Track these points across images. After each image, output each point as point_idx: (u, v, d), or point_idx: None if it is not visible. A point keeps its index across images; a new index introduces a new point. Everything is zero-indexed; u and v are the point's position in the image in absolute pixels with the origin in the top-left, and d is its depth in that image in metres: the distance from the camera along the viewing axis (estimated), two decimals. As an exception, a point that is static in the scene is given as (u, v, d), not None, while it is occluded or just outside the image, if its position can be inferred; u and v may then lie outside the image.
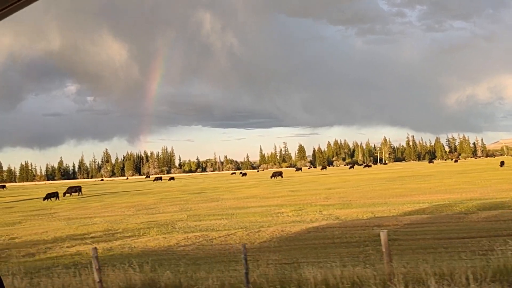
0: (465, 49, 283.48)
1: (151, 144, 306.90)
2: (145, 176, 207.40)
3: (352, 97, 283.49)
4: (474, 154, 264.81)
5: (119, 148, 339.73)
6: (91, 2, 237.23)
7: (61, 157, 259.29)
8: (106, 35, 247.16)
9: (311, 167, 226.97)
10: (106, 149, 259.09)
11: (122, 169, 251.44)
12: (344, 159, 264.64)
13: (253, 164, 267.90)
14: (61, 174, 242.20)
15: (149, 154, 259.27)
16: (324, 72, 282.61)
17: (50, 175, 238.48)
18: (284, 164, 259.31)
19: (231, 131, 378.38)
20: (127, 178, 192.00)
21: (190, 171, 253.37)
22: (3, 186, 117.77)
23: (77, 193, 62.89)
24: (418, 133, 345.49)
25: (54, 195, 57.20)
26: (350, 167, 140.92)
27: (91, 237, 22.28)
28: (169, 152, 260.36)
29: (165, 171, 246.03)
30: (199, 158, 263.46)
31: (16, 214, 38.91)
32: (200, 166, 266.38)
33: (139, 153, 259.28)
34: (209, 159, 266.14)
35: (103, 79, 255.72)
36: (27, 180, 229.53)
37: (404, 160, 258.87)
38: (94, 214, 34.47)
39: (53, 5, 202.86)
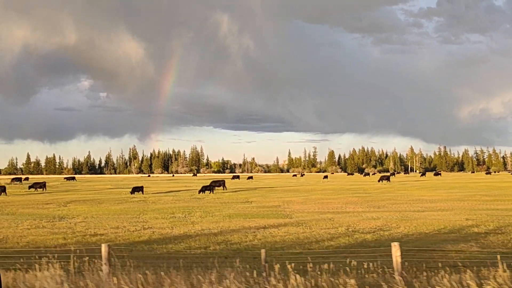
0: (480, 63, 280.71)
1: (161, 143, 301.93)
2: (147, 175, 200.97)
3: (365, 106, 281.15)
4: (505, 167, 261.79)
5: (129, 146, 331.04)
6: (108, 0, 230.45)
7: (89, 152, 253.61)
8: (123, 33, 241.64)
9: (353, 173, 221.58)
10: (134, 146, 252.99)
11: (150, 166, 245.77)
12: (375, 167, 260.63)
13: (281, 168, 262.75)
14: (88, 169, 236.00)
15: (176, 153, 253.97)
16: (339, 79, 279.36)
17: (77, 169, 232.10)
18: (313, 169, 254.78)
19: (242, 133, 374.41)
20: (173, 175, 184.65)
21: (219, 171, 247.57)
22: (73, 178, 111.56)
23: (221, 187, 57.16)
24: (429, 144, 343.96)
25: (209, 188, 51.63)
26: (422, 175, 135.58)
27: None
28: (198, 151, 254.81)
29: (195, 170, 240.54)
30: (210, 159, 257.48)
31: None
32: (227, 167, 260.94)
33: (167, 151, 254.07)
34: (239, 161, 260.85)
35: (118, 76, 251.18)
36: (54, 173, 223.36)
37: (436, 170, 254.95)
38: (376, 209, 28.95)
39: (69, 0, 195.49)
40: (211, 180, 59.07)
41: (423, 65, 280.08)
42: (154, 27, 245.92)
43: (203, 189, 50.91)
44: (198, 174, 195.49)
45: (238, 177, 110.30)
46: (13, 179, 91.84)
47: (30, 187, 59.50)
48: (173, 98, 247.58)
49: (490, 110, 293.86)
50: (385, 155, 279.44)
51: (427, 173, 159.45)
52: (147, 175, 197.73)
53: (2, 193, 50.33)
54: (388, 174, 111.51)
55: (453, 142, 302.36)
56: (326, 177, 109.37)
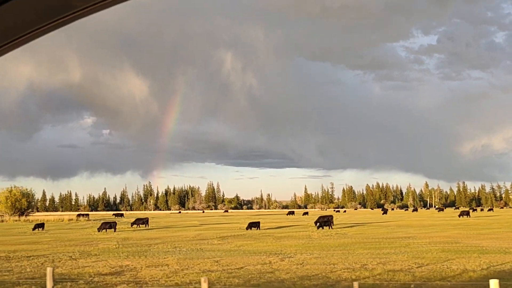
0: (481, 99, 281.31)
1: (164, 180, 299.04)
2: (201, 211, 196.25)
3: (366, 142, 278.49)
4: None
5: (132, 183, 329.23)
6: (112, 37, 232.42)
7: (104, 188, 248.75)
8: (127, 70, 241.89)
9: (373, 209, 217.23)
10: (149, 182, 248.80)
11: (166, 202, 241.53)
12: (394, 202, 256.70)
13: (299, 204, 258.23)
14: (104, 205, 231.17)
15: (192, 189, 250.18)
16: (340, 115, 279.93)
17: (92, 206, 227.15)
18: (331, 205, 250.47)
19: (244, 169, 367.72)
20: (226, 211, 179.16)
21: (235, 207, 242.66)
22: (121, 215, 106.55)
23: (328, 225, 52.70)
24: (432, 180, 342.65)
25: (325, 223, 47.79)
26: (440, 210, 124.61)
27: None
28: (214, 188, 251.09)
29: (212, 207, 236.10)
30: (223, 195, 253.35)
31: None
32: (243, 204, 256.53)
33: (183, 187, 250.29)
34: (256, 197, 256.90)
35: (121, 113, 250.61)
36: (70, 210, 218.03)
37: (455, 206, 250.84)
38: None
39: (74, 38, 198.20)
40: (319, 216, 55.42)
41: (425, 101, 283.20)
42: (158, 64, 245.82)
43: (321, 224, 47.26)
44: (229, 211, 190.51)
45: (293, 213, 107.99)
46: (78, 215, 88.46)
47: (132, 224, 54.78)
48: (175, 135, 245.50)
49: (491, 146, 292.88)
50: (399, 191, 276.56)
51: (446, 208, 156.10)
52: (201, 211, 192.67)
53: (111, 230, 47.01)
54: (468, 209, 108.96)
55: (456, 178, 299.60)
56: (385, 212, 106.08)
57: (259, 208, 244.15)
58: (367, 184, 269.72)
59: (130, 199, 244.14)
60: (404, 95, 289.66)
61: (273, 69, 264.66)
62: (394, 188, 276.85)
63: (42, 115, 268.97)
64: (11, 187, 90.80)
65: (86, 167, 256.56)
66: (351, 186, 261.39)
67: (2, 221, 77.13)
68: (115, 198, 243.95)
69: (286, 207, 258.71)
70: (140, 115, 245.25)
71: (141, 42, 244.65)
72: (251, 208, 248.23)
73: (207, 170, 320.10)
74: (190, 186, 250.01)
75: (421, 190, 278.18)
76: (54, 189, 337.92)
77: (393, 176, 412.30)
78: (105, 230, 46.18)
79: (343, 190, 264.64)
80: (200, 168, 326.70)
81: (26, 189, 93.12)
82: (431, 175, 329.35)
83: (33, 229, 49.42)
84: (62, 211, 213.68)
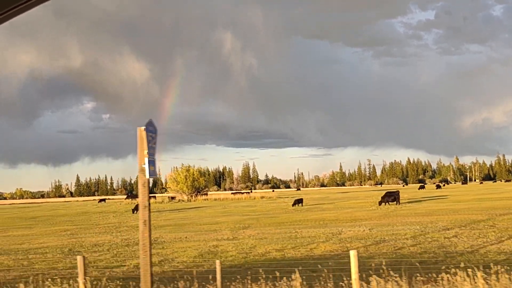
0: (481, 73, 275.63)
1: (164, 163, 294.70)
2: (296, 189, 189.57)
3: (367, 119, 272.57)
4: None
5: (134, 166, 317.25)
6: (112, 22, 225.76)
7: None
8: (126, 54, 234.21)
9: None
10: (182, 164, 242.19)
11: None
12: (432, 177, 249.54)
13: (337, 182, 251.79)
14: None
15: (227, 170, 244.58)
16: (340, 93, 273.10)
17: (127, 189, 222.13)
18: (371, 182, 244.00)
19: (244, 150, 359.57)
20: (298, 189, 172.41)
21: (273, 187, 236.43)
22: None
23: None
24: (433, 155, 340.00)
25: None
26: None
27: None
28: (250, 168, 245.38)
29: (250, 187, 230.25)
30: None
31: None
32: (280, 183, 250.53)
33: (218, 168, 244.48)
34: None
35: (120, 97, 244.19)
36: (106, 194, 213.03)
37: (496, 179, 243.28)
38: None
39: (73, 23, 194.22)
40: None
41: (424, 77, 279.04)
42: (157, 47, 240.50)
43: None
44: (254, 191, 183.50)
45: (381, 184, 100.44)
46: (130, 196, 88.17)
47: (294, 204, 52.35)
48: (175, 117, 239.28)
49: (492, 120, 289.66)
50: (432, 167, 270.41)
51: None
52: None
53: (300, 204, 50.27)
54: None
55: (456, 152, 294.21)
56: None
57: (298, 187, 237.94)
58: (408, 159, 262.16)
59: (163, 181, 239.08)
60: (403, 71, 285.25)
61: (272, 48, 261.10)
62: (426, 164, 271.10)
63: (42, 102, 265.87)
64: (188, 166, 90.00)
65: (87, 152, 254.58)
66: (391, 162, 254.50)
67: (179, 200, 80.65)
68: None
69: (323, 185, 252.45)
70: (139, 99, 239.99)
71: (140, 25, 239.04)
72: (288, 187, 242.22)
73: (208, 152, 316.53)
74: (224, 167, 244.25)
75: (451, 164, 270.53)
76: (55, 175, 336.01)
77: (394, 153, 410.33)
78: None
79: (383, 166, 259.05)
80: (201, 150, 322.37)
81: (201, 168, 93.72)
82: (432, 151, 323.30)
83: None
84: (98, 195, 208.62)
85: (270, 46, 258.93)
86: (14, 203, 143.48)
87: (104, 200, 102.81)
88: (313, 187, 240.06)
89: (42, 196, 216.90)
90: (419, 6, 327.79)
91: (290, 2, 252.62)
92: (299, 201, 52.10)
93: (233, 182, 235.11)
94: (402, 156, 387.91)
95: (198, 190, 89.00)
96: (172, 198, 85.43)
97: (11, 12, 1.29)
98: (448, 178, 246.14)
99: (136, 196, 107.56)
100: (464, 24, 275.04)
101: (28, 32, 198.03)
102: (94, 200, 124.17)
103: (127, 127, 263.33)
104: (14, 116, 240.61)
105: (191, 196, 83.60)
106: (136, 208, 49.51)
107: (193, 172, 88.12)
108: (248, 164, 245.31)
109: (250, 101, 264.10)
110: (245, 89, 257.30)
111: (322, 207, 49.19)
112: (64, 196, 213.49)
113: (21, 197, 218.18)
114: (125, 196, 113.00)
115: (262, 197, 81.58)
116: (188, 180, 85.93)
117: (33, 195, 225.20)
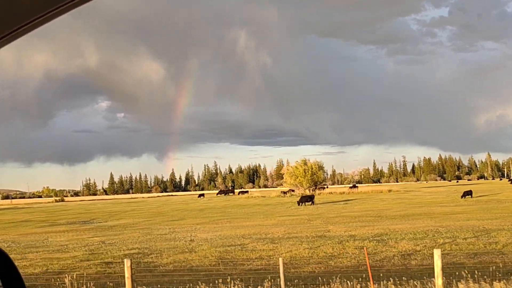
0: (495, 70, 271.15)
1: (179, 161, 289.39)
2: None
3: (381, 117, 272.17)
4: None
5: (148, 165, 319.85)
6: (127, 22, 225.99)
7: (172, 169, 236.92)
8: (141, 54, 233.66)
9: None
10: (215, 162, 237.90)
11: (233, 181, 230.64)
12: (468, 174, 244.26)
13: (372, 179, 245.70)
14: (173, 187, 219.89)
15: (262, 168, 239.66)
16: (354, 91, 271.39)
17: (163, 187, 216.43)
18: (408, 179, 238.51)
19: (259, 148, 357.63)
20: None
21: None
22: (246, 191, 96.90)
23: None
24: (447, 153, 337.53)
25: None
26: None
27: None
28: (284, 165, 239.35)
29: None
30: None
31: None
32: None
33: (251, 165, 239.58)
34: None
35: (135, 97, 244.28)
36: (141, 192, 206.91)
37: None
38: None
39: (89, 24, 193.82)
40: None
41: (438, 74, 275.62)
42: (172, 47, 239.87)
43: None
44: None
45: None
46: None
47: (463, 196, 55.21)
48: (190, 116, 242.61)
49: (507, 117, 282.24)
50: (468, 164, 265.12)
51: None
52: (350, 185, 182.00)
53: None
54: None
55: (471, 150, 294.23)
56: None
57: (333, 184, 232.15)
58: (441, 156, 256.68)
59: (196, 179, 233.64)
60: (417, 69, 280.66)
61: (286, 47, 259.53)
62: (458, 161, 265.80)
63: (57, 102, 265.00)
64: (305, 159, 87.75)
65: (102, 151, 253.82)
66: (429, 158, 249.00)
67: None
68: (180, 178, 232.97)
69: (357, 182, 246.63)
70: (154, 98, 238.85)
71: (155, 25, 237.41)
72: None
73: (222, 150, 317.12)
74: (258, 165, 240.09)
75: (481, 161, 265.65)
76: (70, 174, 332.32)
77: (408, 150, 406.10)
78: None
79: (418, 163, 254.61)
80: (216, 149, 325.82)
81: (319, 162, 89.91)
82: (446, 148, 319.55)
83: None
84: (133, 193, 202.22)
85: (284, 45, 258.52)
86: (84, 200, 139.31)
87: (203, 195, 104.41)
88: (349, 184, 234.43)
89: (76, 194, 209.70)
90: (432, 4, 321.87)
91: (304, 0, 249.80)
92: (468, 193, 54.78)
93: (267, 179, 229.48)
94: (416, 154, 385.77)
95: (315, 184, 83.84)
96: (284, 192, 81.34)
97: (32, 24, 1.25)
98: (485, 174, 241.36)
99: (225, 192, 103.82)
100: (478, 21, 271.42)
101: (44, 33, 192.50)
102: (191, 195, 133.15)
103: (142, 126, 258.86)
104: (30, 116, 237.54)
105: (309, 190, 77.74)
106: (301, 200, 53.60)
107: (312, 166, 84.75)
108: (282, 162, 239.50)
109: (265, 99, 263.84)
110: (259, 87, 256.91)
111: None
112: (96, 194, 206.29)
113: (48, 195, 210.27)
114: (216, 192, 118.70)
115: (389, 191, 77.41)
116: (307, 173, 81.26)
117: (58, 194, 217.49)
